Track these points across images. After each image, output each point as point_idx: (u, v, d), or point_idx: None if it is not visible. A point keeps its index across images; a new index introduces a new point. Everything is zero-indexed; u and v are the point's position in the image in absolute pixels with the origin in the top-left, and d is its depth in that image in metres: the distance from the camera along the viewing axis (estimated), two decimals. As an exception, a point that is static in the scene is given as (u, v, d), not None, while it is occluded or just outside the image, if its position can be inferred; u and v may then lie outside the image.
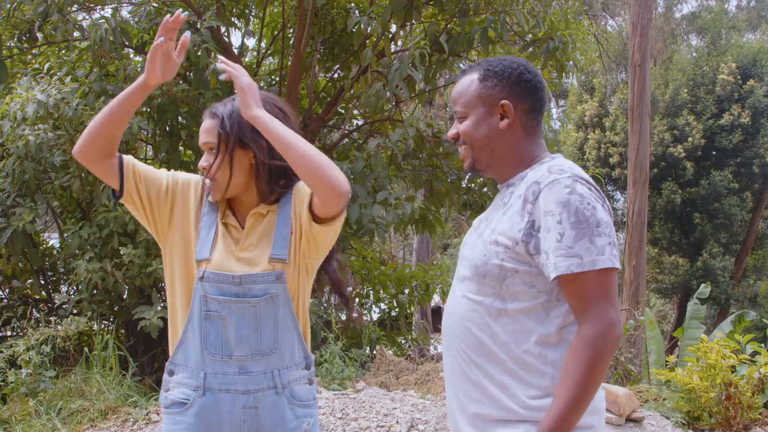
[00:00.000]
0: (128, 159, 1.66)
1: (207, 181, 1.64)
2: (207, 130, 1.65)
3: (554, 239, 1.32)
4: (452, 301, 1.52)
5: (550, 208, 1.33)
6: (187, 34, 1.62)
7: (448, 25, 5.92)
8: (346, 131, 6.97)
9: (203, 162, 1.65)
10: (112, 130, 1.60)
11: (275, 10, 6.79)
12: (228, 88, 6.16)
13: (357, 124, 7.15)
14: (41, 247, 5.87)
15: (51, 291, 5.86)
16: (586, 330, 1.30)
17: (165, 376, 1.64)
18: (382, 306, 6.76)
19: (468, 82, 1.51)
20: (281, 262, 1.61)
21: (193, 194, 1.69)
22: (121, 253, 5.00)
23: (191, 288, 1.60)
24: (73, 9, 5.72)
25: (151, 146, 6.36)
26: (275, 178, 1.66)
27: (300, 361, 1.67)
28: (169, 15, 1.58)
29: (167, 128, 5.76)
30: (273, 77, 7.25)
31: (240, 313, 1.58)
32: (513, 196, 1.45)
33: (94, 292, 5.07)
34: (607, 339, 1.29)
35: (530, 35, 5.99)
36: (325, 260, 1.73)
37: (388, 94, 5.54)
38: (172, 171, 1.73)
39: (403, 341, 6.96)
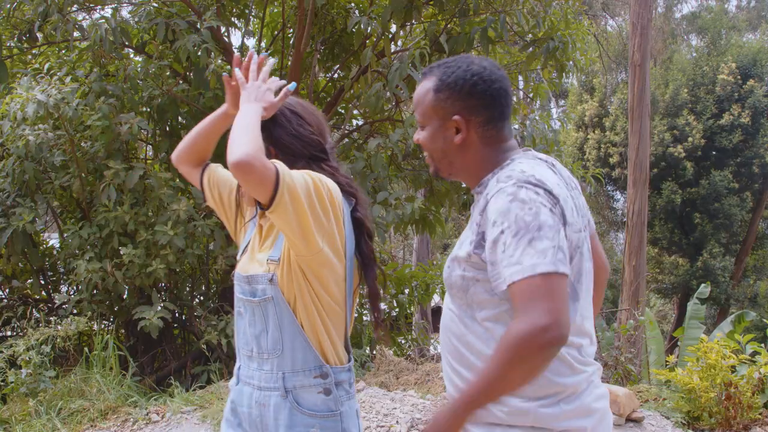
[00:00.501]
0: (211, 166, 1.85)
1: None
2: None
3: (500, 250, 1.29)
4: (443, 309, 1.55)
5: (493, 218, 1.31)
6: (272, 60, 1.74)
7: (448, 25, 5.92)
8: (346, 131, 6.97)
9: None
10: (198, 148, 1.83)
11: (275, 10, 6.79)
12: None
13: (357, 124, 7.15)
14: (41, 247, 5.87)
15: (51, 291, 5.86)
16: (513, 325, 1.25)
17: None
18: (382, 306, 6.75)
19: (424, 91, 1.47)
20: (274, 263, 1.62)
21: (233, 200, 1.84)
22: (121, 253, 5.00)
23: None
24: (73, 9, 5.72)
25: (151, 146, 6.37)
26: None
27: (312, 368, 1.62)
28: (255, 53, 1.70)
29: (167, 128, 5.76)
30: (273, 77, 7.25)
31: (251, 312, 1.66)
32: (478, 204, 1.43)
33: (94, 292, 5.07)
34: (531, 341, 1.21)
35: (530, 35, 5.99)
36: (365, 267, 1.73)
37: (388, 94, 5.54)
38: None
39: (403, 341, 6.96)
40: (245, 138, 1.47)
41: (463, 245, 1.43)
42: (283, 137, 1.66)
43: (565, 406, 1.37)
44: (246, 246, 1.75)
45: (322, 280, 1.60)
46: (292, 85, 1.68)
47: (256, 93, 1.62)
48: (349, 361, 1.69)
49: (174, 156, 1.86)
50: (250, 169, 1.42)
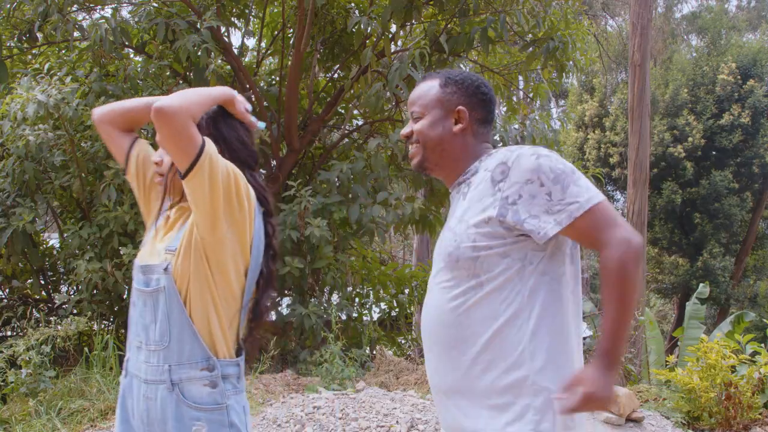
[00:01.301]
0: (141, 140, 1.82)
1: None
2: None
3: (544, 200, 1.41)
4: (429, 295, 1.60)
5: (527, 177, 1.43)
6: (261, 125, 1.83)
7: (448, 25, 5.92)
8: (346, 131, 6.97)
9: (155, 157, 1.78)
10: (137, 117, 1.83)
11: (275, 10, 6.79)
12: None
13: (357, 124, 7.15)
14: (41, 247, 5.87)
15: (51, 291, 5.86)
16: (607, 254, 1.38)
17: None
18: (382, 306, 6.76)
19: (428, 87, 1.63)
20: (171, 253, 1.63)
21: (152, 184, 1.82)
22: (121, 253, 5.00)
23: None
24: (73, 9, 5.72)
25: (151, 146, 6.36)
26: None
27: (199, 360, 1.60)
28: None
29: (167, 128, 5.75)
30: (273, 77, 7.25)
31: (143, 302, 1.65)
32: (471, 186, 1.54)
33: (94, 292, 5.07)
34: (630, 254, 1.37)
35: (530, 35, 5.99)
36: (265, 283, 1.73)
37: (388, 94, 5.54)
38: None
39: (403, 341, 6.96)
40: (185, 97, 1.56)
41: (471, 213, 1.49)
42: (232, 139, 1.72)
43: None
44: (150, 236, 1.76)
45: (222, 268, 1.61)
46: (262, 124, 1.83)
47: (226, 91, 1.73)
48: (239, 355, 1.68)
49: (101, 113, 1.80)
50: (170, 118, 1.49)
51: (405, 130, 1.64)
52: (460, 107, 1.59)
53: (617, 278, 1.37)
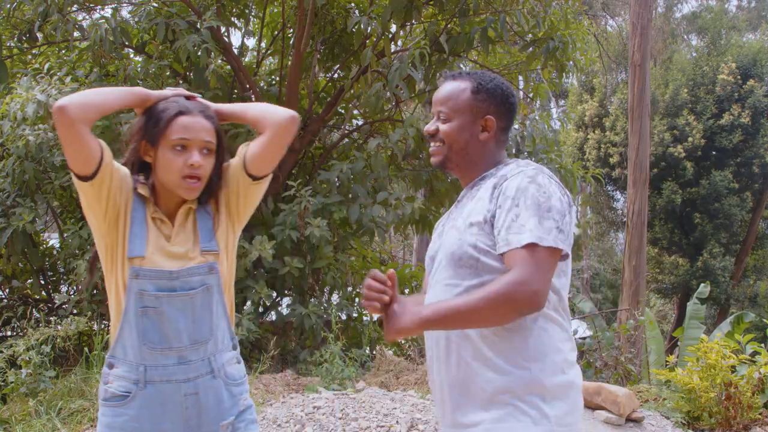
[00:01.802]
0: (105, 145, 1.67)
1: (135, 177, 1.69)
2: (207, 129, 1.67)
3: (510, 219, 1.46)
4: (431, 291, 1.64)
5: (511, 194, 1.49)
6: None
7: (448, 25, 5.92)
8: (346, 131, 6.97)
9: (197, 160, 1.64)
10: (107, 111, 1.71)
11: (275, 10, 6.79)
12: (227, 88, 6.17)
13: (357, 124, 7.15)
14: (41, 247, 5.87)
15: (51, 291, 5.86)
16: (508, 275, 1.41)
17: (104, 368, 1.67)
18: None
19: (460, 90, 1.64)
20: (213, 253, 1.69)
21: (126, 188, 1.67)
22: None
23: (124, 285, 1.63)
24: (73, 9, 5.72)
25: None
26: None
27: (228, 343, 1.75)
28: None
29: (167, 128, 5.75)
30: (273, 77, 7.25)
31: (178, 306, 1.63)
32: (481, 190, 1.59)
33: (94, 292, 5.07)
34: (516, 295, 1.39)
35: (530, 35, 5.99)
36: None
37: (388, 94, 5.55)
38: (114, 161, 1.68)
39: (403, 341, 6.95)
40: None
41: (476, 214, 1.55)
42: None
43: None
44: (145, 242, 1.65)
45: (234, 254, 1.81)
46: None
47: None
48: None
49: (81, 112, 1.58)
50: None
51: (430, 128, 1.66)
52: (489, 116, 1.62)
53: (488, 294, 1.40)
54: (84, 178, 1.58)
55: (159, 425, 1.64)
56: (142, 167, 1.71)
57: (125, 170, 1.68)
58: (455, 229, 1.58)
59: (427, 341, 1.64)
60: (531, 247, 1.42)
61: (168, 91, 1.72)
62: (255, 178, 1.74)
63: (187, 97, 1.72)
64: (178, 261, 1.65)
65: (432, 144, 1.68)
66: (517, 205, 1.46)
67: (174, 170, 1.63)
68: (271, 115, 1.72)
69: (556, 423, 1.45)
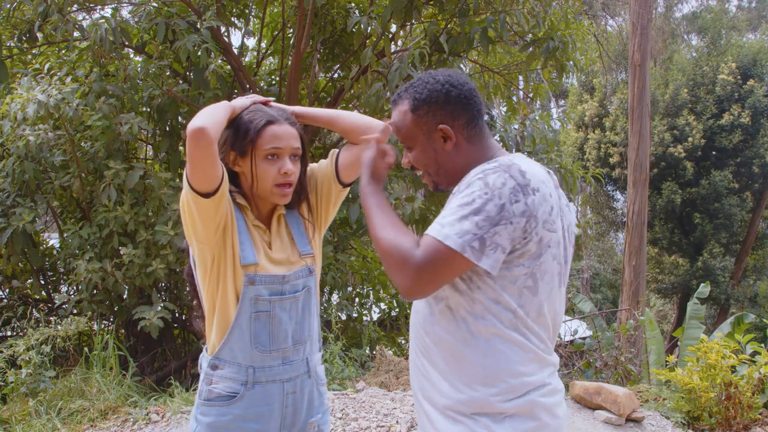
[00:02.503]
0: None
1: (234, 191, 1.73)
2: (294, 136, 1.72)
3: (443, 211, 1.41)
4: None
5: (458, 188, 1.43)
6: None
7: (448, 25, 5.92)
8: (346, 131, 6.96)
9: (290, 168, 1.69)
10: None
11: (275, 10, 6.80)
12: (227, 88, 6.17)
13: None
14: (41, 247, 5.87)
15: (51, 291, 5.86)
16: (414, 249, 1.39)
17: (206, 369, 1.70)
18: (382, 306, 6.76)
19: (402, 114, 1.56)
20: (311, 256, 1.78)
21: (229, 198, 1.67)
22: (121, 253, 5.00)
23: (238, 291, 1.66)
24: (73, 9, 5.72)
25: (151, 146, 6.37)
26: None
27: (318, 343, 1.83)
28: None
29: (167, 128, 5.76)
30: (273, 77, 7.25)
31: (286, 309, 1.71)
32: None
33: (94, 292, 5.08)
34: (399, 264, 1.38)
35: (530, 35, 5.99)
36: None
37: (388, 94, 5.54)
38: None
39: (403, 341, 6.96)
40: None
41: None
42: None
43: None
44: (254, 249, 1.70)
45: None
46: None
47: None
48: None
49: (212, 128, 1.54)
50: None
51: (404, 161, 1.62)
52: (440, 126, 1.51)
53: (389, 249, 1.43)
54: (206, 195, 1.56)
55: (265, 424, 1.70)
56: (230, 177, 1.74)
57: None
58: None
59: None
60: (435, 242, 1.36)
61: (246, 100, 1.73)
62: (345, 185, 1.84)
63: (263, 103, 1.76)
64: (283, 266, 1.72)
65: (418, 173, 1.64)
66: (454, 195, 1.41)
67: (268, 179, 1.68)
68: (367, 128, 1.78)
69: None
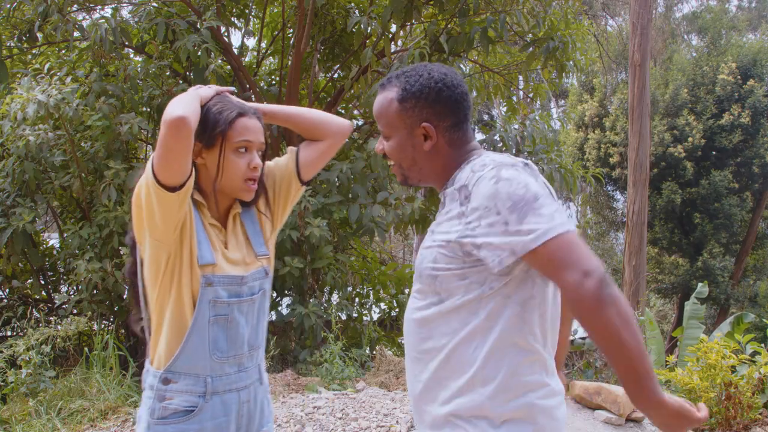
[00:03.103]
0: None
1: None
2: (261, 130, 1.65)
3: (501, 230, 1.31)
4: (410, 300, 1.58)
5: (485, 204, 1.33)
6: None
7: (448, 25, 5.92)
8: (346, 131, 6.96)
9: (259, 162, 1.62)
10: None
11: (275, 10, 6.80)
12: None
13: (357, 124, 7.15)
14: (41, 247, 5.87)
15: (51, 291, 5.86)
16: (568, 287, 1.26)
17: (157, 385, 1.56)
18: (382, 306, 6.76)
19: (388, 102, 1.49)
20: (266, 258, 1.71)
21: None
22: (121, 253, 5.00)
23: (195, 294, 1.55)
24: (73, 9, 5.72)
25: (151, 146, 6.37)
26: None
27: (263, 347, 1.76)
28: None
29: (167, 128, 5.76)
30: (273, 77, 7.25)
31: (244, 312, 1.62)
32: (446, 198, 1.46)
33: (94, 292, 5.08)
34: (585, 298, 1.23)
35: (530, 35, 5.99)
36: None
37: (388, 94, 5.53)
38: None
39: (403, 341, 6.96)
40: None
41: (439, 232, 1.44)
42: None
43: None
44: (211, 249, 1.60)
45: None
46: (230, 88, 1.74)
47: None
48: None
49: (193, 117, 1.47)
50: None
51: (378, 147, 1.55)
52: (424, 123, 1.45)
53: (597, 312, 1.24)
54: (172, 189, 1.46)
55: None
56: None
57: None
58: (424, 245, 1.50)
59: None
60: (550, 243, 1.27)
61: (209, 90, 1.64)
62: (304, 183, 1.79)
63: (231, 93, 1.69)
64: (240, 267, 1.62)
65: (389, 162, 1.56)
66: (498, 213, 1.31)
67: (238, 173, 1.59)
68: (332, 125, 1.75)
69: None
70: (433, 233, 1.47)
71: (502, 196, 1.31)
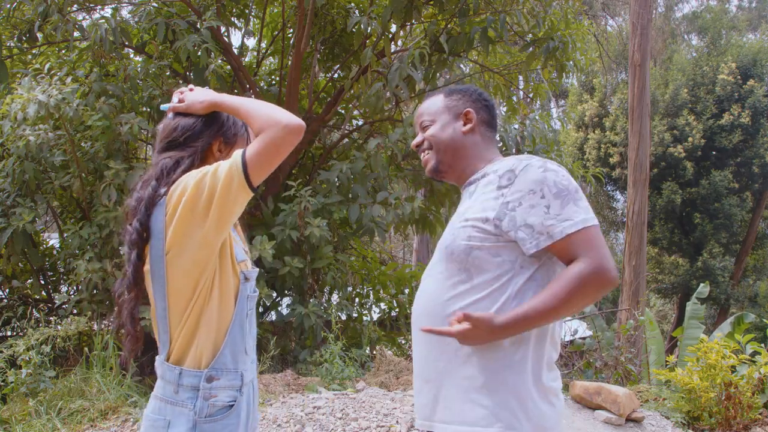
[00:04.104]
0: None
1: None
2: None
3: (542, 212, 1.46)
4: (422, 284, 1.66)
5: (530, 188, 1.49)
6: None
7: (448, 25, 5.92)
8: (346, 131, 6.97)
9: None
10: None
11: (275, 10, 6.80)
12: (227, 88, 6.16)
13: (357, 124, 7.15)
14: (41, 247, 5.87)
15: (51, 291, 5.86)
16: (580, 266, 1.42)
17: (202, 383, 1.56)
18: (382, 306, 6.76)
19: (434, 99, 1.76)
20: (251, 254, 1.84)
21: None
22: (122, 253, 5.00)
23: (236, 290, 1.60)
24: (73, 9, 5.72)
25: (151, 146, 6.37)
26: None
27: None
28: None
29: (167, 128, 5.76)
30: (273, 77, 7.25)
31: (253, 305, 1.71)
32: (479, 187, 1.61)
33: (94, 292, 5.08)
34: (597, 279, 1.41)
35: (530, 35, 5.99)
36: None
37: (388, 94, 5.55)
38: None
39: (403, 341, 6.96)
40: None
41: (473, 212, 1.55)
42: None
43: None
44: (242, 245, 1.73)
45: None
46: (164, 106, 1.78)
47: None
48: None
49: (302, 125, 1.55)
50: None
51: (416, 140, 1.74)
52: (467, 109, 1.70)
53: (570, 287, 1.41)
54: (253, 189, 1.52)
55: (253, 424, 1.69)
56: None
57: None
58: (451, 227, 1.61)
59: (413, 331, 1.67)
60: (581, 233, 1.44)
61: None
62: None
63: None
64: (250, 261, 1.71)
65: (422, 155, 1.75)
66: (543, 197, 1.47)
67: None
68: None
69: (536, 429, 1.47)
70: (464, 214, 1.57)
71: (549, 182, 1.48)
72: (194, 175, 1.54)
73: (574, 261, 1.45)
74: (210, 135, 1.68)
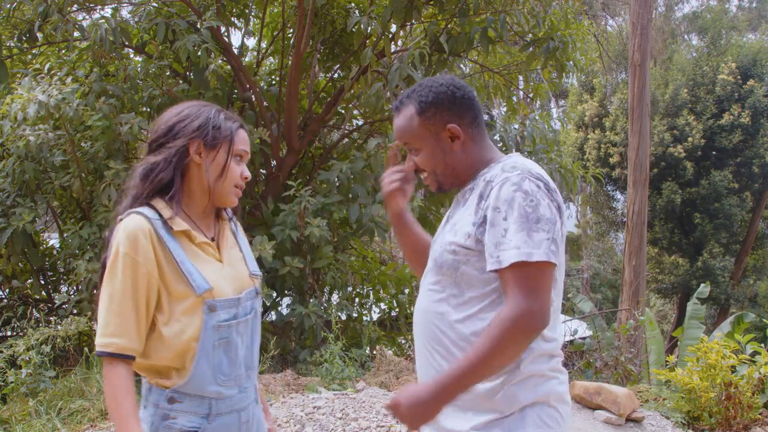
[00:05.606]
0: None
1: (168, 212, 1.56)
2: (247, 141, 1.69)
3: (499, 234, 1.41)
4: (419, 296, 1.63)
5: (497, 205, 1.43)
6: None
7: (448, 25, 5.92)
8: (346, 131, 6.97)
9: (248, 173, 1.67)
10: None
11: (275, 10, 6.79)
12: (227, 88, 6.16)
13: (357, 124, 7.15)
14: (41, 247, 5.87)
15: (51, 291, 5.86)
16: (503, 310, 1.37)
17: (162, 403, 1.55)
18: (382, 306, 6.76)
19: (408, 119, 1.58)
20: (258, 277, 1.71)
21: (146, 243, 1.51)
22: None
23: (199, 322, 1.54)
24: (73, 9, 5.72)
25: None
26: None
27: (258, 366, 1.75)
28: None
29: (167, 128, 5.75)
30: (273, 77, 7.25)
31: (241, 333, 1.63)
32: (472, 194, 1.55)
33: (94, 292, 5.07)
34: (518, 326, 1.35)
35: (530, 35, 5.99)
36: None
37: (388, 94, 5.54)
38: (131, 253, 1.51)
39: (403, 341, 6.96)
40: None
41: (460, 225, 1.52)
42: None
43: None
44: (202, 273, 1.57)
45: None
46: None
47: None
48: None
49: None
50: None
51: (409, 164, 1.64)
52: (449, 125, 1.55)
53: (493, 336, 1.36)
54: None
55: None
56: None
57: (142, 247, 1.51)
58: (442, 234, 1.58)
59: (415, 341, 1.65)
60: (519, 266, 1.36)
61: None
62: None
63: None
64: (235, 285, 1.62)
65: (422, 176, 1.65)
66: (504, 219, 1.41)
67: (233, 178, 1.63)
68: None
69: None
70: (455, 225, 1.53)
71: (515, 204, 1.41)
72: (112, 251, 1.51)
73: (507, 295, 1.39)
74: (188, 135, 1.59)
